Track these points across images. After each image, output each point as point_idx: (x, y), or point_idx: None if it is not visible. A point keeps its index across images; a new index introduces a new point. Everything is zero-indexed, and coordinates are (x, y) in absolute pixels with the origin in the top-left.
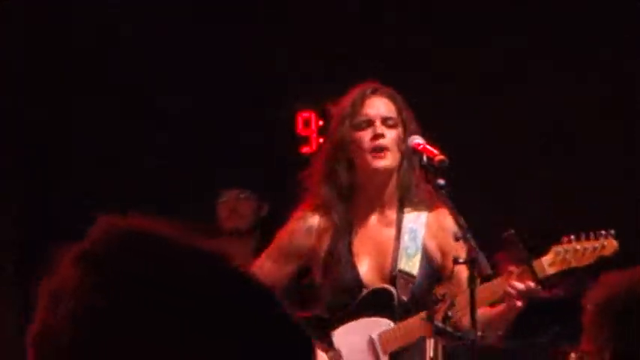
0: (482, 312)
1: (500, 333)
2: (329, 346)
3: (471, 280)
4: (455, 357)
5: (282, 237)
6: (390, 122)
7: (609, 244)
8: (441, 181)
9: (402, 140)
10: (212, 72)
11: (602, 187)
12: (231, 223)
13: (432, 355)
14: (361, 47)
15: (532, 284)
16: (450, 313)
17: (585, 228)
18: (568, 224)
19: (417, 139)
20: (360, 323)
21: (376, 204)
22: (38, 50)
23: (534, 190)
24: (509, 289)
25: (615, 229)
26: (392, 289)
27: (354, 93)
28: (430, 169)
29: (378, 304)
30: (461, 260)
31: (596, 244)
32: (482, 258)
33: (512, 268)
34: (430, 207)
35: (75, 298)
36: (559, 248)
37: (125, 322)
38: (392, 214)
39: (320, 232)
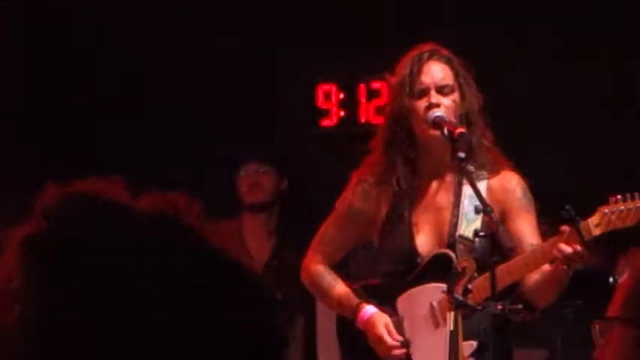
0: (535, 278)
1: (549, 300)
2: (393, 312)
3: (491, 254)
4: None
5: (342, 202)
6: (446, 89)
7: None
8: (462, 154)
9: (459, 105)
10: (230, 45)
11: None
12: (251, 197)
13: (452, 328)
14: (385, 19)
15: (579, 247)
16: (469, 286)
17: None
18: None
19: (437, 113)
20: (421, 290)
21: (436, 170)
22: (38, 50)
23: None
24: (556, 252)
25: None
26: (451, 254)
27: (411, 57)
28: (450, 142)
29: (438, 270)
30: (482, 234)
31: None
32: (503, 232)
33: (563, 228)
34: (493, 170)
35: (24, 295)
36: (605, 209)
37: (80, 314)
38: (452, 179)
39: (379, 199)
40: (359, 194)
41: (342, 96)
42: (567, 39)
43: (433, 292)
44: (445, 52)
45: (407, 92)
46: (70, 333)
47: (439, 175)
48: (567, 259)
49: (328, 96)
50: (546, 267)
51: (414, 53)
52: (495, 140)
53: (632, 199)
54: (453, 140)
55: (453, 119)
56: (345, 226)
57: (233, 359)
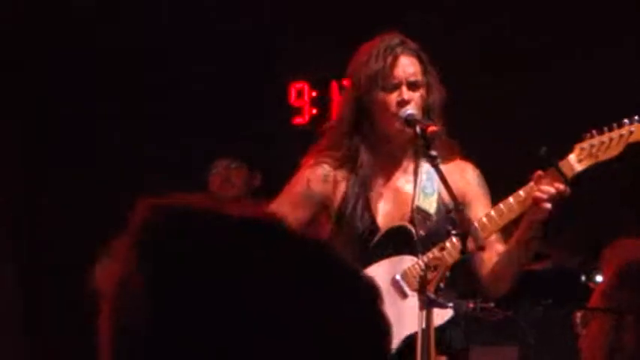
0: (505, 248)
1: (505, 285)
2: None
3: (463, 253)
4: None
5: (298, 182)
6: (415, 84)
7: (637, 130)
8: (434, 152)
9: (424, 99)
10: (205, 42)
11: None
12: (222, 193)
13: (423, 326)
14: (356, 18)
15: (561, 186)
16: (442, 285)
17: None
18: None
19: (408, 110)
20: (383, 264)
21: (395, 155)
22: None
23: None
24: (539, 194)
25: None
26: (408, 225)
27: (381, 48)
28: (423, 140)
29: (397, 242)
30: (454, 232)
31: (623, 132)
32: (475, 230)
33: (539, 172)
34: (446, 158)
35: (140, 286)
36: (583, 144)
37: (197, 309)
38: (409, 162)
39: (337, 181)
40: (317, 177)
41: (314, 94)
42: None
43: (396, 263)
44: (413, 44)
45: (379, 85)
46: (184, 339)
47: (398, 159)
48: (550, 198)
49: (301, 94)
50: (503, 247)
51: (382, 44)
52: (449, 131)
53: (610, 130)
54: (426, 139)
55: (422, 117)
56: (299, 207)
57: None
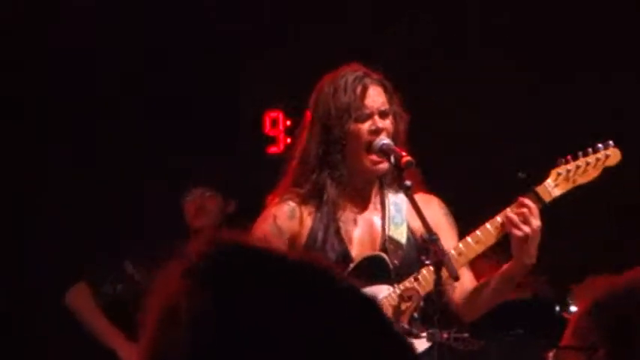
0: (488, 280)
1: (479, 311)
2: None
3: (437, 282)
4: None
5: (265, 220)
6: (385, 114)
7: (613, 154)
8: (408, 183)
9: (393, 127)
10: (179, 69)
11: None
12: (198, 222)
13: None
14: (331, 47)
15: (534, 206)
16: (415, 315)
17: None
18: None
19: (384, 140)
20: None
21: (362, 186)
22: None
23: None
24: (513, 217)
25: None
26: (382, 254)
27: (348, 78)
28: (397, 170)
29: (372, 271)
30: (427, 262)
31: (599, 156)
32: (449, 260)
33: (519, 199)
34: (413, 190)
35: (191, 313)
36: (559, 169)
37: (247, 339)
38: (375, 194)
39: (303, 217)
40: (283, 213)
41: (289, 123)
42: None
43: (373, 293)
44: (376, 74)
45: (351, 116)
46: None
47: (364, 191)
48: (526, 220)
49: (275, 123)
50: (469, 274)
51: (348, 75)
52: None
53: (585, 154)
54: (400, 169)
55: (397, 149)
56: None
57: None
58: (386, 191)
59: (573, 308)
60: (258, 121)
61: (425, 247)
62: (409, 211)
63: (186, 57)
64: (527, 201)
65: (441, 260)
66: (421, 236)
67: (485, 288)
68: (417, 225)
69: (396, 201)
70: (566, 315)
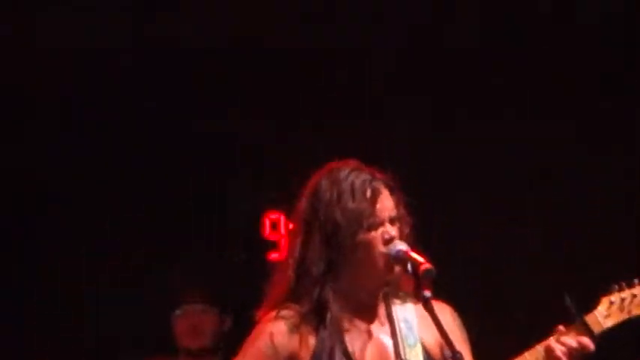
0: None
1: None
2: None
3: None
4: None
5: (258, 338)
6: (394, 220)
7: None
8: (427, 293)
9: (402, 233)
10: (168, 163)
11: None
12: (190, 342)
13: None
14: (336, 146)
15: (587, 341)
16: None
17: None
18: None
19: (399, 245)
20: None
21: (365, 302)
22: None
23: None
24: (558, 349)
25: None
26: None
27: (355, 181)
28: (415, 279)
29: None
30: None
31: None
32: None
33: (560, 327)
34: (415, 299)
35: None
36: (612, 297)
37: None
38: (380, 308)
39: (303, 335)
40: (281, 330)
41: (291, 226)
42: None
43: None
44: (381, 175)
45: (363, 226)
46: None
47: (369, 306)
48: (571, 355)
49: (276, 226)
50: None
51: (353, 178)
52: None
53: None
54: (418, 277)
55: (415, 254)
56: None
57: None
58: (390, 303)
59: None
60: (256, 223)
61: None
62: (420, 326)
63: (173, 148)
64: (585, 340)
65: None
66: (442, 354)
67: None
68: (431, 342)
69: (406, 316)
70: None
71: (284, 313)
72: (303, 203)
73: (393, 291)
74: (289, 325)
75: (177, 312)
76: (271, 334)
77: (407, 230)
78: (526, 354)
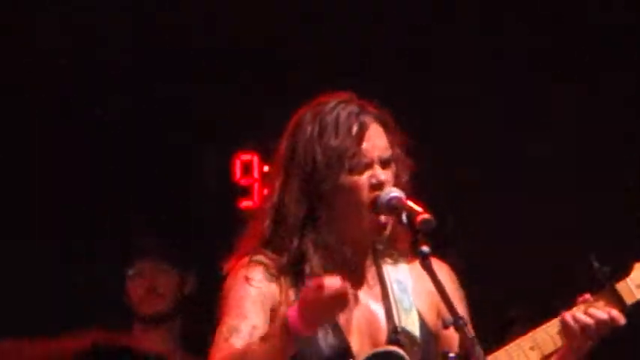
0: None
1: None
2: None
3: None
4: None
5: (237, 289)
6: (387, 161)
7: None
8: (425, 249)
9: (397, 178)
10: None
11: None
12: (147, 307)
13: None
14: (311, 73)
15: (617, 313)
16: None
17: None
18: None
19: (393, 192)
20: None
21: (351, 258)
22: None
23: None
24: (586, 320)
25: None
26: (400, 351)
27: (340, 114)
28: (411, 231)
29: None
30: (452, 355)
31: None
32: (480, 353)
33: (585, 296)
34: (408, 258)
35: None
36: None
37: None
38: (370, 270)
39: (284, 287)
40: (259, 273)
41: (266, 169)
42: None
43: None
44: (374, 108)
45: (344, 167)
46: None
47: (356, 264)
48: (599, 328)
49: (248, 169)
50: None
51: (338, 110)
52: None
53: None
54: (414, 229)
55: (412, 203)
56: (251, 312)
57: None
58: (381, 262)
59: None
60: (226, 166)
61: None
62: (414, 289)
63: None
64: (615, 312)
65: (470, 353)
66: (442, 320)
67: None
68: (425, 307)
69: (399, 277)
70: None
71: (258, 257)
72: (284, 141)
73: (385, 249)
74: (266, 272)
75: (130, 271)
76: (247, 279)
77: (405, 177)
78: (546, 326)
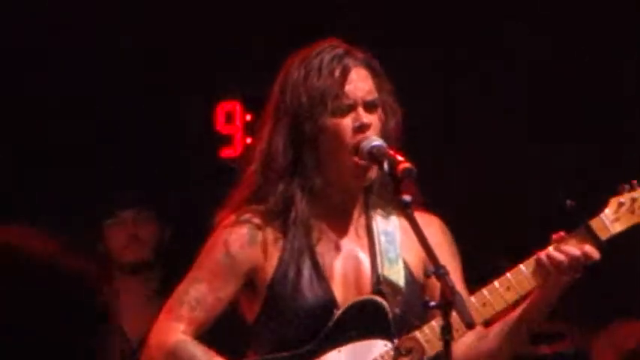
0: (504, 320)
1: (530, 332)
2: None
3: (445, 329)
4: None
5: (214, 249)
6: (372, 105)
7: None
8: (407, 198)
9: (383, 124)
10: (109, 48)
11: None
12: (129, 255)
13: None
14: (297, 21)
15: (590, 248)
16: None
17: None
18: None
19: (375, 141)
20: (345, 351)
21: (342, 205)
22: None
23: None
24: (559, 256)
25: None
26: (380, 299)
27: (324, 57)
28: (392, 180)
29: (364, 322)
30: (433, 303)
31: None
32: (461, 302)
33: (560, 234)
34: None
35: None
36: (622, 198)
37: None
38: (358, 216)
39: (267, 243)
40: (240, 238)
41: (248, 117)
42: None
43: (363, 351)
44: (361, 54)
45: (327, 108)
46: None
47: (344, 211)
48: (573, 265)
49: (231, 117)
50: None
51: (323, 54)
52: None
53: None
54: (395, 179)
55: (393, 152)
56: (221, 281)
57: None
58: (372, 213)
59: None
60: (207, 115)
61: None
62: (403, 241)
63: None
64: (588, 248)
65: (450, 302)
66: (425, 270)
67: (494, 336)
68: (413, 259)
69: (387, 229)
70: None
71: (245, 217)
72: (273, 88)
73: (376, 200)
74: (250, 232)
75: (109, 221)
76: (227, 243)
77: (392, 123)
78: (521, 266)
